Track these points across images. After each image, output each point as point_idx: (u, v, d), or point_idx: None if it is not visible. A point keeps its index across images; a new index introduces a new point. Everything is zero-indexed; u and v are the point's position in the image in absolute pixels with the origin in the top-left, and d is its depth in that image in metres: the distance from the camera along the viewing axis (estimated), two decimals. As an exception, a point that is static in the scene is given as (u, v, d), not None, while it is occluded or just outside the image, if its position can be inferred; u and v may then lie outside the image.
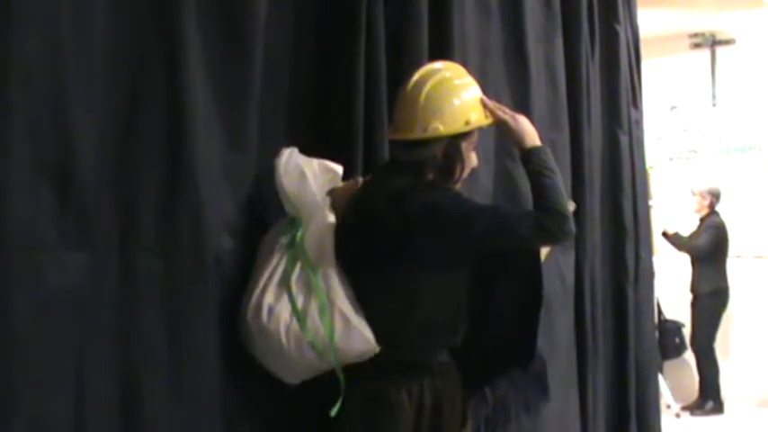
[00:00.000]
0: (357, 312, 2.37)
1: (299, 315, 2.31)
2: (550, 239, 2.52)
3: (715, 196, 7.41)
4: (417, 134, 2.44)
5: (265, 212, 2.50)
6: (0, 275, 1.87)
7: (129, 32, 2.19)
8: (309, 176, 2.39)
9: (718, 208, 7.41)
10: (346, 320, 2.34)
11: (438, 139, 2.45)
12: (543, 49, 3.92)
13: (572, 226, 2.43)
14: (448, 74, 2.54)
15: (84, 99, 2.06)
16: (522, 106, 3.45)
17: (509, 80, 3.59)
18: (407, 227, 2.39)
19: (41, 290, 1.96)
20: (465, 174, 2.55)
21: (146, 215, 2.19)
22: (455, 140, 2.47)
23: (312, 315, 2.33)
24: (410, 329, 2.46)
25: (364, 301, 2.41)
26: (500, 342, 2.67)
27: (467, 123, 2.48)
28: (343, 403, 2.40)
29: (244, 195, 2.46)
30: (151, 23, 2.23)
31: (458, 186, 2.55)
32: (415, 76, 2.51)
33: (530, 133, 2.54)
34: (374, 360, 2.38)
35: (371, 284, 2.44)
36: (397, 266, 2.44)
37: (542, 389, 2.79)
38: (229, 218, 2.40)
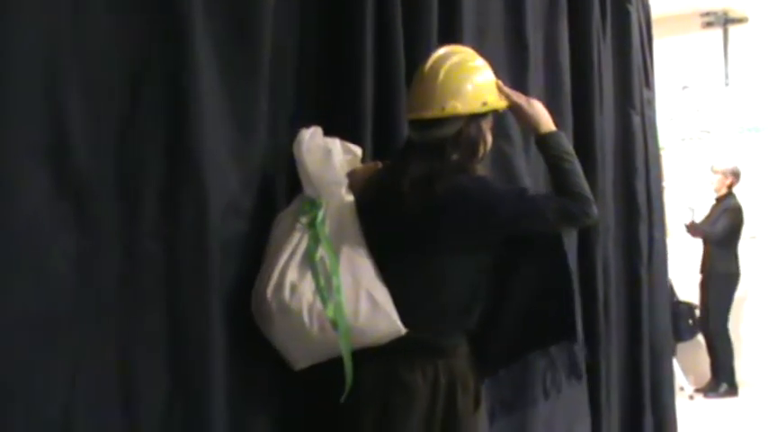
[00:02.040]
0: (384, 294, 2.35)
1: (323, 294, 2.29)
2: (575, 223, 2.53)
3: (736, 176, 7.41)
4: (435, 112, 2.44)
5: (273, 195, 2.47)
6: (2, 262, 1.83)
7: (130, 11, 2.14)
8: (334, 156, 2.37)
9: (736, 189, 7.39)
10: (373, 301, 2.32)
11: (455, 119, 2.45)
12: (544, 32, 3.89)
13: (595, 209, 2.45)
14: (464, 56, 2.55)
15: (82, 80, 2.01)
16: (520, 87, 3.40)
17: (507, 63, 3.54)
18: (434, 211, 2.39)
19: (41, 275, 1.92)
20: (487, 152, 2.57)
21: (147, 198, 2.15)
22: (474, 119, 2.48)
23: (336, 295, 2.30)
24: (429, 312, 2.45)
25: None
26: (520, 325, 2.66)
27: (484, 104, 2.50)
28: (356, 384, 2.38)
29: (251, 177, 2.42)
30: (154, 1, 2.19)
31: (479, 167, 2.55)
32: (432, 57, 2.52)
33: (545, 118, 2.57)
34: (389, 341, 2.37)
35: (392, 267, 2.42)
36: (422, 250, 2.43)
37: (575, 373, 2.78)
38: (235, 200, 2.36)
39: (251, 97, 2.42)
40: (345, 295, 2.30)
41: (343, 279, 2.31)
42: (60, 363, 1.96)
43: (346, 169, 2.43)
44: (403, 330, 2.34)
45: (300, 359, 2.39)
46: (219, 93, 2.32)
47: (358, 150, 2.46)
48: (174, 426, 2.19)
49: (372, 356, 2.36)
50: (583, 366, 2.83)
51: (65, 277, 1.97)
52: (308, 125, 2.51)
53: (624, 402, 4.57)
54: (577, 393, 3.82)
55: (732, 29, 8.00)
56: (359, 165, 2.49)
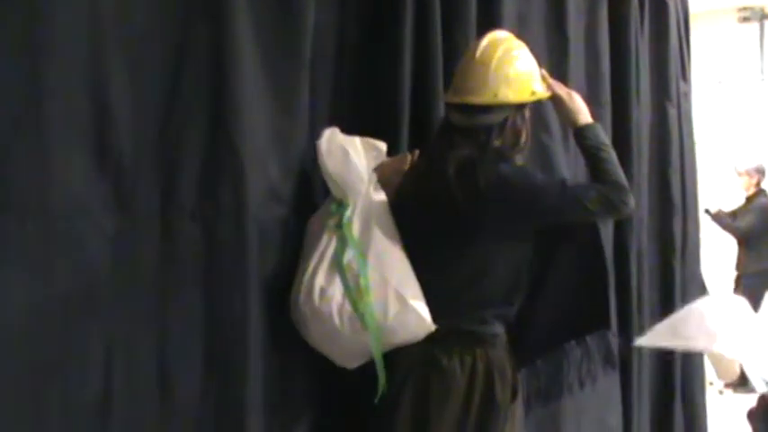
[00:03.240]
0: (414, 291, 2.35)
1: (352, 295, 2.30)
2: (614, 212, 2.53)
3: (762, 173, 7.33)
4: (488, 99, 2.45)
5: (312, 181, 2.48)
6: (41, 241, 1.85)
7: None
8: (353, 155, 2.36)
9: (765, 185, 7.32)
10: (402, 301, 2.32)
11: (504, 107, 2.47)
12: (585, 21, 3.87)
13: (632, 199, 2.48)
14: (515, 44, 2.57)
15: (123, 62, 2.02)
16: (559, 78, 3.39)
17: (548, 51, 3.53)
18: (476, 200, 2.39)
19: (82, 255, 1.94)
20: (528, 142, 2.58)
21: (187, 181, 2.16)
22: (521, 109, 2.51)
23: (365, 295, 2.31)
24: (470, 300, 2.47)
25: (424, 274, 2.40)
26: (557, 314, 2.67)
27: (533, 94, 2.53)
28: (396, 369, 2.41)
29: (292, 162, 2.43)
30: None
31: (521, 157, 2.57)
32: (483, 43, 2.53)
33: (583, 110, 2.60)
34: None
35: (434, 255, 2.44)
36: (463, 239, 2.44)
37: (609, 362, 2.78)
38: (275, 184, 2.37)
39: (292, 80, 2.42)
40: (374, 295, 2.31)
41: (372, 279, 2.32)
42: (98, 344, 1.98)
43: (372, 166, 2.43)
44: (433, 327, 2.35)
45: (344, 361, 2.41)
46: (260, 74, 2.32)
47: (382, 146, 2.45)
48: (210, 408, 2.20)
49: (414, 344, 2.38)
50: (617, 355, 2.83)
51: (104, 258, 1.98)
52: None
53: (655, 395, 4.55)
54: (609, 384, 3.81)
55: (768, 24, 7.95)
56: (384, 160, 2.48)
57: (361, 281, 2.31)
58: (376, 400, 2.38)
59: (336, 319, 2.30)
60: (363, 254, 2.34)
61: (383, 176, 2.47)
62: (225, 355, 2.23)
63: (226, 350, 2.23)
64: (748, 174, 7.33)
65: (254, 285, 2.28)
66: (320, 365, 2.44)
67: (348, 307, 2.30)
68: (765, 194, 7.32)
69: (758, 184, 7.32)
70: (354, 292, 2.30)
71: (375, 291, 2.31)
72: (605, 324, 2.74)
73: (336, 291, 2.30)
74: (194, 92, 2.17)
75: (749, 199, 7.34)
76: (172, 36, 2.14)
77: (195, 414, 2.18)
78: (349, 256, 2.33)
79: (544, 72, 2.60)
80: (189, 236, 2.17)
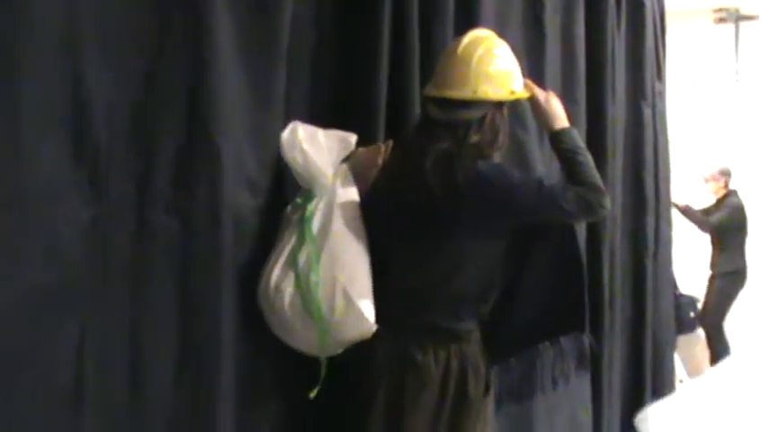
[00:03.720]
0: (362, 290, 2.35)
1: (301, 291, 2.30)
2: (591, 214, 2.54)
3: (727, 175, 7.36)
4: (467, 94, 2.46)
5: (289, 171, 2.46)
6: (14, 228, 1.83)
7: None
8: (314, 150, 2.36)
9: (736, 186, 7.36)
10: (348, 299, 2.32)
11: (484, 104, 2.47)
12: (562, 19, 3.88)
13: (609, 201, 2.50)
14: (497, 42, 2.58)
15: (101, 51, 2.00)
16: (536, 76, 3.41)
17: (525, 49, 3.53)
18: (453, 195, 2.39)
19: (55, 244, 1.92)
20: (506, 140, 2.60)
21: (163, 171, 2.15)
22: (500, 107, 2.52)
23: (315, 292, 2.31)
24: (444, 297, 2.48)
25: (399, 270, 2.43)
26: (532, 314, 2.68)
27: (512, 93, 2.54)
28: (371, 363, 2.43)
29: (267, 154, 2.42)
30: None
31: (498, 154, 2.58)
32: (465, 39, 2.54)
33: (560, 114, 2.62)
34: (402, 324, 2.41)
35: (408, 252, 2.46)
36: (438, 235, 2.45)
37: (582, 364, 2.79)
38: (251, 176, 2.37)
39: (269, 72, 2.42)
40: (323, 292, 2.31)
41: (323, 276, 2.32)
42: (70, 333, 1.96)
43: (339, 158, 2.42)
44: (374, 328, 2.35)
45: (310, 352, 2.42)
46: (237, 66, 2.31)
47: (350, 137, 2.43)
48: (183, 397, 2.20)
49: (388, 337, 2.40)
50: (590, 357, 2.85)
51: (78, 246, 1.97)
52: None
53: (625, 391, 4.59)
54: (580, 381, 3.83)
55: (743, 25, 7.98)
56: (355, 150, 2.47)
57: (312, 276, 2.30)
58: (312, 395, 2.39)
59: (289, 314, 2.31)
60: (318, 251, 2.34)
61: (356, 168, 2.47)
62: (198, 346, 2.22)
63: (199, 340, 2.23)
64: (714, 179, 7.36)
65: (228, 276, 2.28)
66: (293, 356, 2.44)
67: (299, 302, 2.30)
68: (736, 194, 7.36)
69: (726, 185, 7.35)
70: (304, 289, 2.30)
71: (324, 288, 2.31)
72: (580, 326, 2.75)
73: (289, 285, 2.31)
74: (171, 82, 2.16)
75: (720, 200, 7.38)
76: (149, 26, 2.13)
77: (167, 403, 2.18)
78: (304, 253, 2.33)
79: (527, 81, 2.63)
80: (164, 226, 2.16)
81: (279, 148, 2.39)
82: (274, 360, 2.48)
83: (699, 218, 7.35)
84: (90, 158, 1.99)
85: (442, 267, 2.47)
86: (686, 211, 7.36)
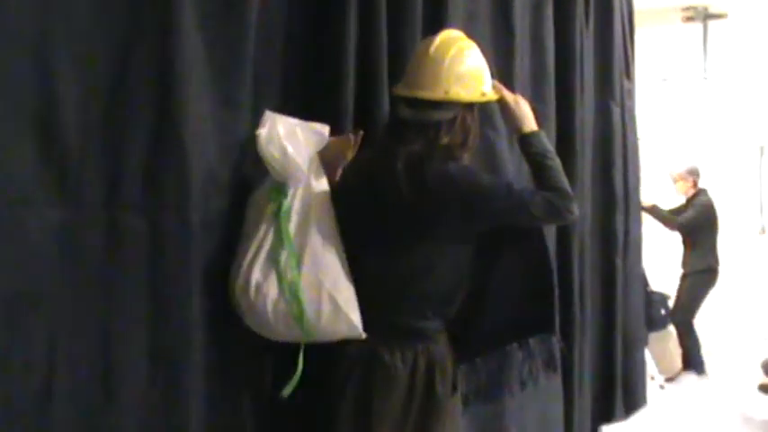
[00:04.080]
0: (347, 295, 2.36)
1: (286, 294, 2.30)
2: (558, 219, 2.59)
3: (695, 174, 7.40)
4: (439, 95, 2.47)
5: (257, 172, 2.46)
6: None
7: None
8: (291, 147, 2.34)
9: (706, 185, 7.41)
10: (335, 304, 2.33)
11: (454, 105, 2.48)
12: (531, 18, 3.88)
13: (576, 206, 2.53)
14: (468, 44, 2.59)
15: (70, 53, 2.01)
16: (505, 75, 3.42)
17: (494, 48, 3.53)
18: (422, 197, 2.40)
19: (25, 245, 1.93)
20: (476, 142, 2.60)
21: (132, 171, 2.15)
22: (470, 109, 2.53)
23: (299, 294, 2.31)
24: (411, 298, 2.49)
25: (366, 268, 2.42)
26: (501, 315, 2.69)
27: (483, 95, 2.56)
28: (338, 363, 2.44)
29: (234, 154, 2.43)
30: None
31: (468, 156, 2.58)
32: (437, 40, 2.55)
33: (529, 117, 2.64)
34: (369, 324, 2.39)
35: (376, 252, 2.46)
36: (407, 235, 2.46)
37: (551, 366, 2.80)
38: (218, 177, 2.37)
39: (236, 72, 2.42)
40: (307, 296, 2.31)
41: (306, 279, 2.32)
42: (41, 336, 1.97)
43: (314, 151, 2.41)
44: (363, 335, 2.37)
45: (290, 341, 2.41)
46: (205, 66, 2.32)
47: (325, 130, 2.42)
48: (154, 398, 2.20)
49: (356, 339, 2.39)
50: (559, 359, 2.86)
51: (47, 249, 1.97)
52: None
53: (596, 389, 4.60)
54: (551, 379, 3.84)
55: (712, 23, 8.03)
56: (329, 140, 2.46)
57: (294, 278, 2.31)
58: (285, 394, 2.38)
59: (271, 316, 2.31)
60: (299, 253, 2.34)
61: (326, 158, 2.46)
62: (168, 346, 2.23)
63: (169, 340, 2.23)
64: (682, 178, 7.39)
65: (197, 276, 2.29)
66: (265, 356, 2.47)
67: (283, 305, 2.30)
68: (706, 193, 7.40)
69: (695, 184, 7.39)
70: (288, 292, 2.30)
71: (308, 292, 2.32)
72: (549, 328, 2.76)
73: (272, 287, 2.31)
74: (139, 83, 2.16)
75: (689, 200, 7.42)
76: (117, 27, 2.13)
77: (139, 404, 2.18)
78: (285, 254, 2.33)
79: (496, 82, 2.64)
80: (133, 226, 2.16)
81: (246, 148, 2.40)
82: (245, 359, 2.48)
83: (665, 216, 7.39)
84: (59, 160, 2.00)
85: (410, 268, 2.47)
86: (653, 211, 7.40)
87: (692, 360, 7.32)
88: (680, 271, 7.45)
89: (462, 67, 2.51)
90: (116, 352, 2.13)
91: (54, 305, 1.99)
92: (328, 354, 2.42)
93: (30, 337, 1.95)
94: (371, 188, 2.48)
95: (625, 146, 4.86)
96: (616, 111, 4.73)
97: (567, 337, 4.02)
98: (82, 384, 2.06)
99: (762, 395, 6.80)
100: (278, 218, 2.35)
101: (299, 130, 2.38)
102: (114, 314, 2.12)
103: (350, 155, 2.54)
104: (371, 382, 2.44)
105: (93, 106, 2.07)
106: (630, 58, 5.12)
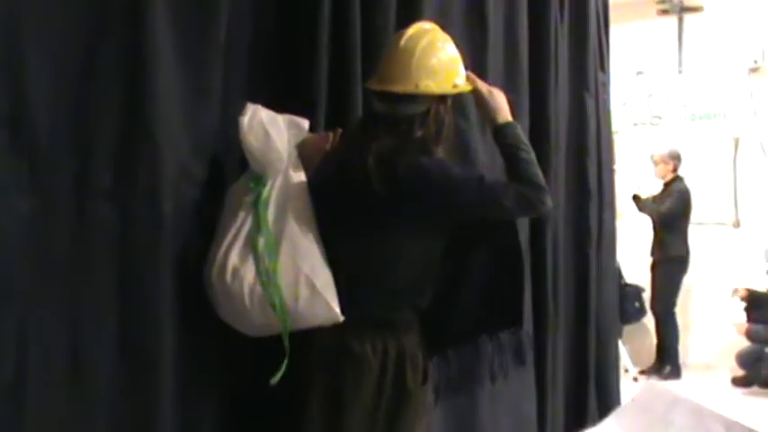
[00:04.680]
0: (325, 280, 2.36)
1: (263, 278, 2.29)
2: (532, 211, 2.57)
3: (677, 159, 7.43)
4: (410, 88, 2.46)
5: (224, 162, 2.47)
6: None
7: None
8: (274, 134, 2.35)
9: (681, 173, 7.44)
10: (313, 288, 2.33)
11: (426, 98, 2.48)
12: (504, 10, 3.89)
13: (550, 199, 2.50)
14: (439, 36, 2.58)
15: (39, 42, 2.01)
16: (478, 67, 3.42)
17: (467, 40, 3.53)
18: (395, 190, 2.39)
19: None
20: (449, 134, 2.59)
21: (102, 161, 2.15)
22: (443, 101, 2.52)
23: (274, 279, 2.30)
24: (382, 289, 2.48)
25: (339, 259, 2.41)
26: (472, 308, 2.69)
27: (454, 87, 2.55)
28: (307, 354, 2.41)
29: (205, 144, 2.42)
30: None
31: (442, 149, 2.57)
32: (409, 32, 2.53)
33: (504, 108, 2.62)
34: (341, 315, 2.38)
35: (348, 243, 2.45)
36: (379, 227, 2.45)
37: (519, 359, 2.81)
38: (189, 166, 2.37)
39: (206, 64, 2.42)
40: (285, 280, 2.31)
41: (284, 263, 2.32)
42: (11, 326, 1.97)
43: (293, 143, 2.42)
44: (341, 318, 2.36)
45: (254, 334, 2.41)
46: (175, 58, 2.31)
47: (304, 123, 2.43)
48: (123, 384, 2.20)
49: (325, 327, 2.38)
50: (528, 352, 2.86)
51: (18, 238, 1.98)
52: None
53: (569, 382, 4.61)
54: (524, 372, 3.85)
55: (687, 17, 8.05)
56: (307, 136, 2.47)
57: (270, 266, 2.30)
58: (273, 381, 2.36)
59: (247, 300, 2.30)
60: (277, 238, 2.34)
61: (304, 153, 2.46)
62: (138, 333, 2.23)
63: (139, 328, 2.24)
64: (663, 161, 7.42)
65: (168, 266, 2.29)
66: (235, 349, 2.45)
67: (259, 289, 2.30)
68: (682, 180, 7.42)
69: (675, 169, 7.41)
70: (265, 276, 2.29)
71: (286, 276, 2.31)
72: (517, 321, 2.77)
73: (249, 272, 2.30)
74: (110, 73, 2.16)
75: (667, 185, 7.45)
76: (88, 18, 2.13)
77: (108, 395, 2.18)
78: (263, 240, 2.32)
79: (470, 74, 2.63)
80: (104, 215, 2.16)
81: (214, 137, 2.41)
82: (215, 348, 2.48)
83: (650, 208, 7.41)
84: (28, 149, 2.00)
85: (381, 260, 2.47)
86: (640, 202, 7.44)
87: (668, 351, 7.35)
88: (647, 260, 7.48)
89: (433, 60, 2.50)
90: (86, 339, 2.13)
91: (24, 294, 2.00)
92: (299, 344, 2.40)
93: (0, 326, 1.95)
94: (344, 181, 2.47)
95: (599, 137, 4.87)
96: (590, 102, 4.74)
97: (540, 330, 4.04)
98: (52, 371, 2.07)
99: (735, 388, 6.85)
100: (256, 206, 2.34)
101: (280, 120, 2.39)
102: (83, 302, 2.13)
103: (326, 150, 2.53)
104: (342, 372, 2.44)
105: (62, 96, 2.07)
106: (605, 51, 5.13)
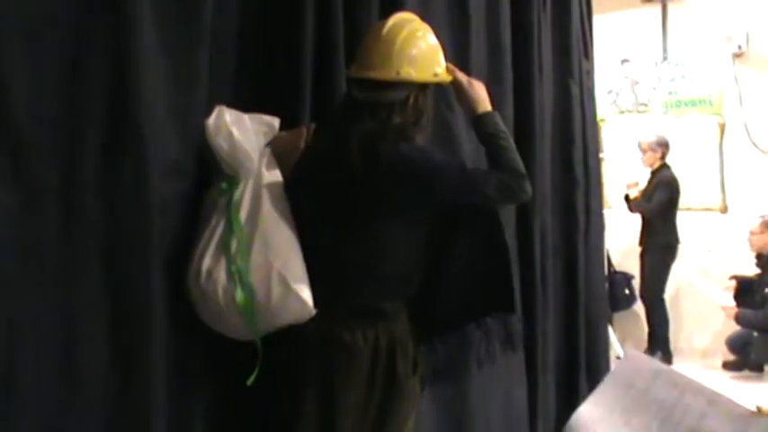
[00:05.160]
0: (298, 274, 2.35)
1: (234, 278, 2.30)
2: (512, 198, 2.58)
3: (665, 146, 7.44)
4: (390, 75, 2.47)
5: (215, 157, 2.44)
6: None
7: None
8: (239, 135, 2.35)
9: (669, 160, 7.46)
10: (285, 284, 2.32)
11: (407, 85, 2.49)
12: (486, 0, 3.88)
13: (530, 186, 2.52)
14: (421, 25, 2.60)
15: (22, 36, 2.00)
16: (461, 56, 3.42)
17: (449, 28, 3.53)
18: (376, 177, 2.40)
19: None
20: (429, 123, 2.61)
21: (87, 156, 2.13)
22: (423, 90, 2.54)
23: (248, 278, 2.31)
24: (370, 278, 2.48)
25: (323, 251, 2.42)
26: (461, 295, 2.70)
27: (435, 75, 2.56)
28: (298, 345, 2.42)
29: (191, 137, 2.41)
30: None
31: (422, 137, 2.59)
32: (390, 21, 2.55)
33: (483, 99, 2.64)
34: (328, 306, 2.39)
35: (332, 233, 2.45)
36: (362, 217, 2.45)
37: (510, 344, 2.82)
38: (176, 159, 2.36)
39: (192, 54, 2.41)
40: (257, 279, 2.30)
41: (256, 262, 2.32)
42: (0, 323, 1.96)
43: (263, 142, 2.42)
44: (314, 311, 2.36)
45: (239, 337, 2.40)
46: (160, 49, 2.30)
47: (274, 121, 2.44)
48: (115, 382, 2.19)
49: (314, 319, 2.38)
50: (519, 338, 2.88)
51: (3, 234, 1.96)
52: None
53: (560, 369, 4.63)
54: (514, 359, 3.86)
55: (671, 5, 8.06)
56: (278, 134, 2.47)
57: (242, 266, 2.30)
58: (249, 382, 2.38)
59: (222, 301, 2.30)
60: (249, 238, 2.34)
61: (278, 151, 2.46)
62: (127, 330, 2.22)
63: (128, 324, 2.22)
64: (651, 148, 7.42)
65: (156, 260, 2.28)
66: (225, 340, 2.43)
67: (232, 289, 2.30)
68: (669, 168, 7.43)
69: (663, 157, 7.42)
70: (237, 277, 2.30)
71: (258, 273, 2.31)
72: (510, 307, 2.78)
73: (222, 273, 2.30)
74: (95, 66, 2.15)
75: (654, 173, 7.46)
76: (71, 10, 2.11)
77: (100, 389, 2.17)
78: (235, 240, 2.33)
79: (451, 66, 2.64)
80: (90, 211, 2.15)
81: (203, 131, 2.38)
82: (206, 344, 2.46)
83: (641, 207, 7.42)
84: (13, 144, 1.98)
85: (365, 250, 2.47)
86: (633, 205, 7.44)
87: (658, 337, 7.37)
88: (637, 248, 7.49)
89: (414, 49, 2.51)
90: (75, 336, 2.12)
91: (12, 290, 1.98)
92: (289, 338, 2.41)
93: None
94: (325, 170, 2.48)
95: (585, 125, 4.88)
96: (575, 90, 4.75)
97: (529, 317, 4.05)
98: (42, 369, 2.05)
99: (726, 372, 6.88)
100: (229, 208, 2.35)
101: (246, 119, 2.39)
102: (72, 298, 2.11)
103: (302, 146, 2.54)
104: (333, 363, 2.44)
105: (47, 89, 2.06)
106: (589, 38, 5.14)
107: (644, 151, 7.48)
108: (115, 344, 2.19)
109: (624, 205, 7.59)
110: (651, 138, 7.46)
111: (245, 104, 2.45)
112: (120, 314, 2.20)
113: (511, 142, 2.58)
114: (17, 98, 1.98)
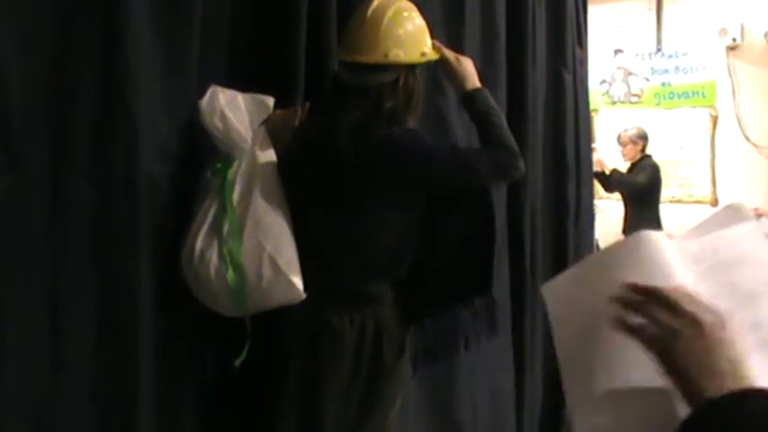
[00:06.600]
0: (288, 258, 2.35)
1: (225, 259, 2.30)
2: (505, 176, 2.59)
3: (645, 139, 7.37)
4: (378, 58, 2.47)
5: (205, 137, 2.44)
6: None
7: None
8: (233, 115, 2.34)
9: (660, 151, 7.44)
10: (275, 266, 2.33)
11: (395, 67, 2.49)
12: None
13: (522, 163, 2.51)
14: (406, 5, 2.59)
15: (12, 19, 1.99)
16: (456, 42, 3.41)
17: (443, 15, 3.51)
18: (367, 162, 2.40)
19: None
20: (419, 103, 2.60)
21: (78, 140, 2.13)
22: (412, 70, 2.53)
23: (239, 260, 2.30)
24: (358, 261, 2.49)
25: (313, 233, 2.41)
26: (446, 276, 2.70)
27: (423, 55, 2.56)
28: (285, 328, 2.44)
29: (182, 122, 2.40)
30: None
31: (413, 119, 2.58)
32: (375, 3, 2.54)
33: (472, 75, 2.64)
34: (316, 289, 2.39)
35: (322, 217, 2.46)
36: (352, 200, 2.46)
37: (491, 327, 2.83)
38: (166, 144, 2.35)
39: (183, 37, 2.39)
40: (248, 261, 2.30)
41: (248, 244, 2.32)
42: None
43: (257, 122, 2.41)
44: (304, 295, 2.35)
45: (232, 314, 2.41)
46: (151, 32, 2.29)
47: (269, 101, 2.42)
48: (103, 365, 2.19)
49: (302, 302, 2.38)
50: (501, 320, 2.88)
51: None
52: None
53: (547, 354, 4.62)
54: (502, 344, 3.87)
55: (666, -4, 8.09)
56: (273, 113, 2.46)
57: (233, 247, 2.30)
58: (237, 363, 2.38)
59: (215, 282, 2.30)
60: (241, 219, 2.34)
61: (273, 130, 2.45)
62: (115, 311, 2.21)
63: (116, 306, 2.22)
64: (632, 141, 7.36)
65: (146, 243, 2.28)
66: (213, 323, 2.44)
67: (224, 271, 2.30)
68: (651, 157, 7.36)
69: (643, 149, 7.37)
70: (228, 258, 2.29)
71: (249, 256, 2.31)
72: (485, 287, 2.76)
73: (214, 254, 2.31)
74: (86, 50, 2.14)
75: (635, 165, 7.38)
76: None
77: (87, 373, 2.17)
78: (228, 221, 2.33)
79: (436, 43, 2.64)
80: (80, 194, 2.14)
81: (194, 114, 2.38)
82: (194, 328, 2.47)
83: (627, 180, 7.33)
84: (4, 129, 1.97)
85: (355, 233, 2.48)
86: (613, 175, 7.37)
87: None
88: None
89: (400, 29, 2.51)
90: (63, 318, 2.12)
91: (1, 274, 1.98)
92: (276, 320, 2.41)
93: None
94: (315, 154, 2.48)
95: (577, 113, 4.86)
96: (568, 78, 4.73)
97: (518, 304, 4.05)
98: (30, 351, 2.05)
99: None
100: (222, 189, 2.34)
101: (240, 99, 2.38)
102: (61, 282, 2.11)
103: (296, 124, 2.53)
104: (319, 347, 2.45)
105: (38, 74, 2.05)
106: (583, 27, 5.12)
107: (624, 144, 7.41)
108: (102, 324, 2.19)
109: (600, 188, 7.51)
110: (632, 131, 7.40)
111: (237, 86, 2.44)
112: (108, 297, 2.20)
113: (502, 119, 2.57)
114: (6, 82, 1.97)
